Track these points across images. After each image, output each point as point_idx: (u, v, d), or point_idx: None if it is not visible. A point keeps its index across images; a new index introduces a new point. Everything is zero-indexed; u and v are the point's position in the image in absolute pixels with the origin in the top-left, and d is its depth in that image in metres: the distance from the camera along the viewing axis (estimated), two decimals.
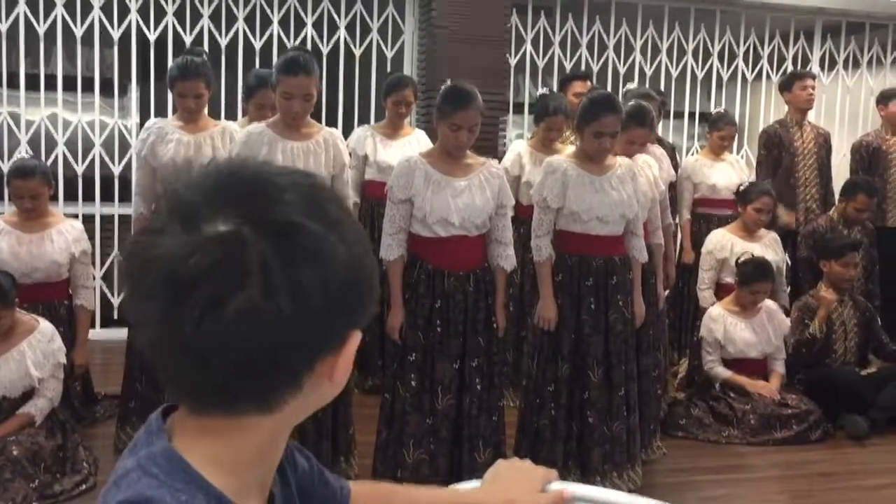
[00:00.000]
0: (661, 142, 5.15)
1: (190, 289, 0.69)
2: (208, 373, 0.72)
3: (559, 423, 3.44)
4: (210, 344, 0.70)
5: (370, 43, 5.91)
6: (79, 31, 5.42)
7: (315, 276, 0.71)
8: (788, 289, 5.27)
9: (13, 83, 5.42)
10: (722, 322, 4.52)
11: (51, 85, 5.47)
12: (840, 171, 6.05)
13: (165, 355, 0.73)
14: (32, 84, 5.45)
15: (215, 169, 0.76)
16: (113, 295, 5.71)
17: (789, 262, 5.48)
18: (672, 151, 5.40)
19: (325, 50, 5.78)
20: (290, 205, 0.72)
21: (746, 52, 6.64)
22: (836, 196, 5.48)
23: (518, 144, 4.80)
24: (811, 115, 5.87)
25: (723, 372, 4.48)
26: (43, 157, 5.20)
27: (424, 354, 3.28)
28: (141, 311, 0.73)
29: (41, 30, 5.37)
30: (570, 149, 4.07)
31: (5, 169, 5.15)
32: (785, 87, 5.66)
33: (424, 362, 3.28)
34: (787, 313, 4.75)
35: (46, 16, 5.37)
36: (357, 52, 5.88)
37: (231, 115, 5.47)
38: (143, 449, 0.77)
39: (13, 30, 5.33)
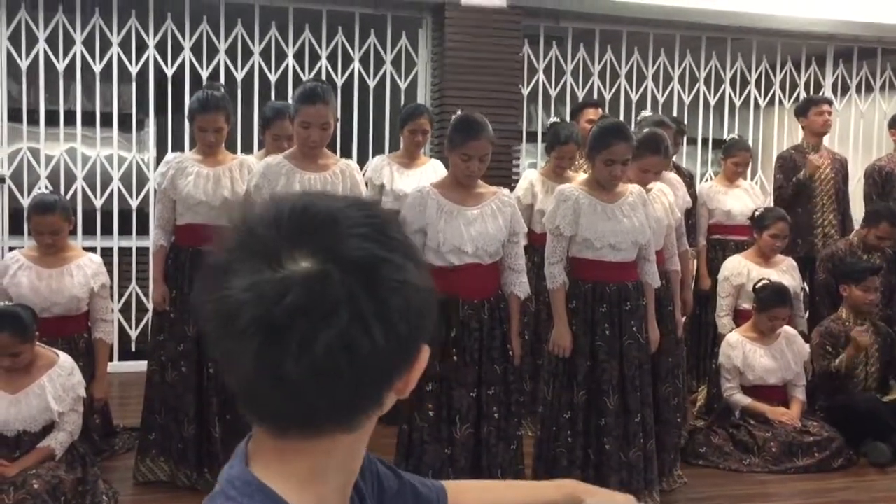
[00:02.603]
0: (678, 169, 5.16)
1: (287, 327, 0.71)
2: (300, 402, 0.74)
3: (576, 450, 3.43)
4: (304, 377, 0.72)
5: (384, 74, 5.97)
6: (97, 67, 5.52)
7: (400, 304, 0.74)
8: (806, 314, 5.23)
9: (33, 119, 5.51)
10: (741, 348, 4.49)
11: (70, 120, 5.56)
12: (855, 197, 6.03)
13: (259, 389, 0.75)
14: (52, 119, 5.53)
15: (285, 204, 0.77)
16: (131, 328, 5.75)
17: (807, 288, 5.44)
18: (690, 178, 5.41)
19: (339, 82, 5.85)
20: (366, 238, 0.75)
21: (759, 79, 6.66)
22: (855, 222, 5.45)
23: (530, 173, 4.83)
24: (825, 140, 5.87)
25: (742, 399, 4.44)
26: (62, 192, 5.26)
27: (441, 383, 3.28)
28: (232, 351, 0.74)
29: (60, 66, 5.46)
30: (582, 176, 4.09)
31: (25, 203, 5.22)
32: (801, 112, 5.67)
33: (441, 391, 3.28)
34: (806, 339, 4.71)
35: (66, 53, 5.46)
36: (371, 83, 5.94)
37: (247, 149, 5.52)
38: (226, 474, 0.80)
39: (33, 67, 5.43)
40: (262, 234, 0.75)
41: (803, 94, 6.51)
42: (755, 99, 6.69)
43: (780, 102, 6.75)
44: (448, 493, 1.08)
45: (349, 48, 5.87)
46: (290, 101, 3.90)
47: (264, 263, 0.73)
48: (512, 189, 4.58)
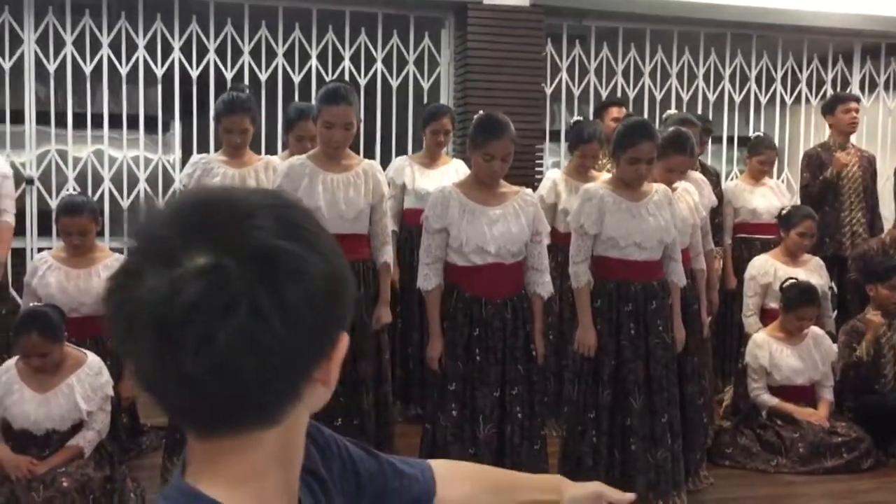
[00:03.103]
0: (704, 168, 5.12)
1: (181, 326, 0.70)
2: (209, 400, 0.74)
3: (601, 450, 3.41)
4: (207, 374, 0.71)
5: (407, 74, 5.97)
6: (124, 70, 5.57)
7: (301, 294, 0.73)
8: (835, 314, 5.17)
9: (61, 121, 5.57)
10: (767, 348, 4.45)
11: (97, 122, 5.61)
12: (884, 195, 5.96)
13: (163, 389, 0.75)
14: (79, 122, 5.59)
15: (182, 202, 0.77)
16: None
17: (835, 288, 5.38)
18: (716, 178, 5.36)
19: (362, 82, 5.86)
20: (264, 229, 0.73)
21: (784, 76, 6.59)
22: (884, 220, 5.38)
23: (553, 172, 4.81)
24: (853, 138, 5.80)
25: (770, 399, 4.40)
26: (89, 193, 5.32)
27: (464, 383, 3.28)
28: (134, 352, 0.73)
29: (87, 69, 5.52)
30: (606, 176, 4.07)
31: (53, 205, 5.28)
32: (828, 110, 5.61)
33: (464, 391, 3.28)
34: (834, 339, 4.66)
35: (92, 56, 5.52)
36: (394, 83, 5.95)
37: (271, 149, 5.55)
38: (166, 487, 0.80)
39: (61, 70, 5.49)
40: (160, 233, 0.74)
41: (830, 92, 6.43)
42: (781, 96, 6.62)
43: (807, 100, 6.68)
44: (434, 470, 1.08)
45: (372, 48, 5.89)
46: (313, 101, 3.92)
47: (163, 263, 0.72)
48: (535, 188, 4.58)
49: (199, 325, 0.70)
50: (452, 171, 4.71)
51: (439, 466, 1.10)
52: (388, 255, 3.58)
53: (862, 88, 6.73)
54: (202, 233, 0.73)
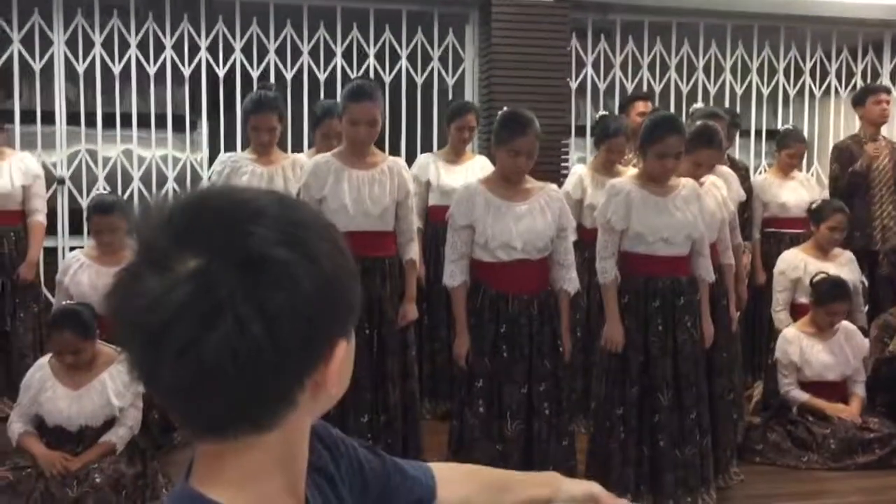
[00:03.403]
0: (733, 162, 5.08)
1: (165, 331, 0.70)
2: (194, 406, 0.74)
3: (629, 447, 3.40)
4: (188, 381, 0.71)
5: (431, 71, 5.98)
6: (152, 70, 5.62)
7: (283, 303, 0.71)
8: (866, 308, 5.10)
9: (90, 121, 5.64)
10: (798, 344, 4.40)
11: (126, 122, 5.68)
12: None
13: (155, 391, 0.75)
14: (108, 122, 5.66)
15: (180, 204, 0.75)
16: None
17: (866, 282, 5.31)
18: (745, 172, 5.32)
19: (387, 80, 5.87)
20: (256, 235, 0.72)
21: (813, 68, 6.51)
22: None
23: (579, 168, 4.79)
24: (883, 130, 5.71)
25: (800, 395, 4.36)
26: (119, 192, 5.39)
27: (491, 380, 3.28)
28: (129, 352, 0.74)
29: (116, 70, 5.58)
30: (632, 170, 4.04)
31: (84, 204, 5.35)
32: (858, 101, 5.54)
33: (491, 388, 3.28)
34: (866, 334, 4.60)
35: (121, 56, 5.58)
36: (419, 80, 5.96)
37: (297, 147, 5.59)
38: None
39: (90, 70, 5.56)
40: (154, 237, 0.73)
41: (860, 83, 6.34)
42: (810, 88, 6.54)
43: (836, 92, 6.59)
44: (434, 472, 1.09)
45: (396, 46, 5.90)
46: (339, 99, 3.94)
47: (158, 265, 0.71)
48: (561, 184, 4.56)
49: (182, 330, 0.69)
50: (477, 167, 4.71)
51: (438, 469, 1.11)
52: (413, 251, 3.59)
53: (893, 79, 6.62)
54: (195, 236, 0.72)
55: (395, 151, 5.53)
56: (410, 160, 4.85)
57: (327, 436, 0.96)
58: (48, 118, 5.61)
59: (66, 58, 5.54)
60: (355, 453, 0.98)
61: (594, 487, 1.18)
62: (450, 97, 5.84)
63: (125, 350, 0.74)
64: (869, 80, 6.41)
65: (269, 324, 0.70)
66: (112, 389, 3.47)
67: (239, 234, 0.72)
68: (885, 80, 6.52)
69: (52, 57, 5.51)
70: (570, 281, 3.39)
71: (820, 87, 6.55)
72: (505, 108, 3.50)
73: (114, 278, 0.75)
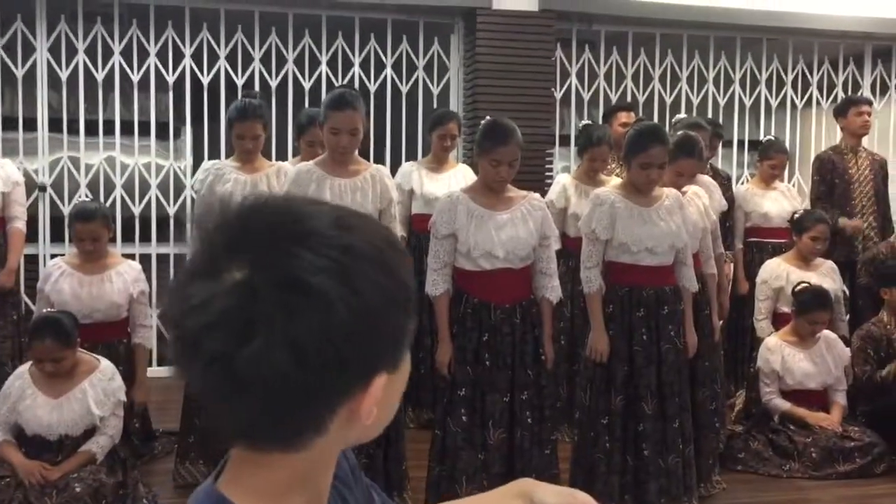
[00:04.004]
0: (716, 172, 5.11)
1: (201, 336, 0.70)
2: (224, 415, 0.74)
3: (614, 456, 3.40)
4: (219, 390, 0.72)
5: (416, 80, 5.99)
6: (135, 77, 5.60)
7: (312, 331, 0.70)
8: (847, 318, 5.14)
9: (73, 128, 5.60)
10: (779, 353, 4.43)
11: (109, 129, 5.65)
12: (895, 198, 5.92)
13: (198, 394, 0.76)
14: (91, 129, 5.63)
15: (240, 209, 0.75)
16: None
17: (847, 291, 5.36)
18: (727, 181, 5.35)
19: (372, 88, 5.88)
20: (299, 258, 0.71)
21: (795, 79, 6.57)
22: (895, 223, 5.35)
23: (562, 177, 4.81)
24: (864, 141, 5.77)
25: (782, 404, 4.38)
26: (101, 200, 5.35)
27: (474, 389, 3.28)
28: (173, 351, 0.75)
29: (99, 76, 5.56)
30: (615, 180, 4.06)
31: (66, 211, 5.32)
32: (840, 112, 5.59)
33: (474, 397, 3.28)
34: (847, 343, 4.64)
35: (104, 63, 5.56)
36: (404, 89, 5.96)
37: (281, 155, 5.57)
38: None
39: (73, 77, 5.53)
40: (214, 239, 0.74)
41: (841, 95, 6.41)
42: (792, 100, 6.60)
43: (818, 103, 6.65)
44: None
45: (381, 55, 5.90)
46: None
47: (208, 272, 0.72)
48: (545, 193, 4.58)
49: (217, 340, 0.70)
50: (460, 175, 4.72)
51: None
52: None
53: (873, 91, 6.70)
54: (245, 246, 0.72)
55: (379, 160, 5.53)
56: (395, 169, 4.85)
57: (349, 453, 0.95)
58: (30, 125, 5.58)
59: (49, 64, 5.51)
60: (369, 492, 0.97)
61: (578, 495, 1.12)
62: (434, 106, 5.86)
63: (172, 345, 0.75)
64: (850, 92, 6.48)
65: (297, 351, 0.70)
66: (92, 398, 3.44)
67: (284, 255, 0.71)
68: (866, 92, 6.59)
69: (34, 63, 5.48)
70: (552, 290, 3.40)
71: (801, 99, 6.62)
72: (488, 118, 3.51)
73: (175, 277, 0.75)
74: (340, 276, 0.71)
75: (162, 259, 5.82)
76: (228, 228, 0.74)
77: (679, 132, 3.91)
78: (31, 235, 5.52)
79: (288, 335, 0.70)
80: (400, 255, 0.79)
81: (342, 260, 0.72)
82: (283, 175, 3.79)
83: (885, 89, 6.74)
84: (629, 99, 6.13)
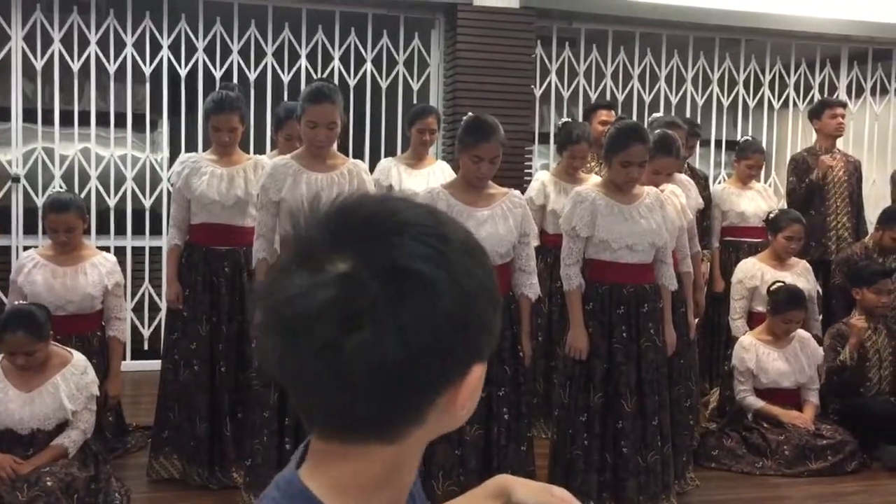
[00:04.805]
0: (693, 171, 5.15)
1: (305, 326, 0.71)
2: (322, 406, 0.75)
3: (592, 453, 3.41)
4: (324, 381, 0.72)
5: (396, 75, 5.97)
6: (112, 68, 5.54)
7: (420, 317, 0.71)
8: (821, 317, 5.20)
9: (48, 119, 5.53)
10: (754, 351, 4.47)
11: (84, 120, 5.58)
12: (869, 200, 5.99)
13: (287, 385, 0.76)
14: (66, 120, 5.56)
15: (338, 205, 0.77)
16: (143, 326, 5.77)
17: (821, 291, 5.42)
18: (705, 181, 5.39)
19: (352, 83, 5.86)
20: (401, 246, 0.73)
21: (772, 81, 6.63)
22: (869, 224, 5.41)
23: (542, 174, 4.82)
24: (839, 143, 5.83)
25: (755, 402, 4.42)
26: (76, 191, 5.29)
27: None
28: (268, 344, 0.75)
29: (75, 67, 5.49)
30: (595, 178, 4.08)
31: (40, 203, 5.25)
32: (814, 114, 5.64)
33: None
34: (821, 342, 4.69)
35: (80, 53, 5.49)
36: (384, 84, 5.95)
37: (260, 149, 5.54)
38: (280, 474, 0.81)
39: (48, 67, 5.46)
40: (310, 236, 0.75)
41: (817, 96, 6.47)
42: (769, 100, 6.66)
43: (794, 104, 6.72)
44: None
45: (362, 49, 5.88)
46: None
47: (309, 265, 0.73)
48: (524, 190, 4.58)
49: (323, 330, 0.71)
50: (438, 171, 4.72)
51: None
52: None
53: (849, 93, 6.77)
54: (348, 239, 0.73)
55: (358, 155, 5.51)
56: (374, 164, 4.83)
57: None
58: (4, 115, 5.50)
59: (24, 53, 5.43)
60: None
61: (555, 491, 1.08)
62: (414, 101, 5.84)
63: (265, 338, 0.74)
64: (826, 94, 6.55)
65: (406, 338, 0.71)
66: (65, 392, 3.40)
67: (386, 244, 0.73)
68: (842, 94, 6.67)
69: (9, 52, 5.40)
70: (531, 287, 3.40)
71: (778, 100, 6.68)
72: (469, 114, 3.50)
73: (268, 272, 0.77)
74: (441, 263, 0.73)
75: (137, 251, 5.77)
76: (326, 224, 0.75)
77: (656, 131, 3.93)
78: (5, 227, 5.46)
79: (395, 322, 0.71)
80: (482, 248, 0.81)
81: (441, 248, 0.74)
82: (260, 169, 3.76)
83: (860, 91, 6.82)
84: (608, 97, 6.16)
